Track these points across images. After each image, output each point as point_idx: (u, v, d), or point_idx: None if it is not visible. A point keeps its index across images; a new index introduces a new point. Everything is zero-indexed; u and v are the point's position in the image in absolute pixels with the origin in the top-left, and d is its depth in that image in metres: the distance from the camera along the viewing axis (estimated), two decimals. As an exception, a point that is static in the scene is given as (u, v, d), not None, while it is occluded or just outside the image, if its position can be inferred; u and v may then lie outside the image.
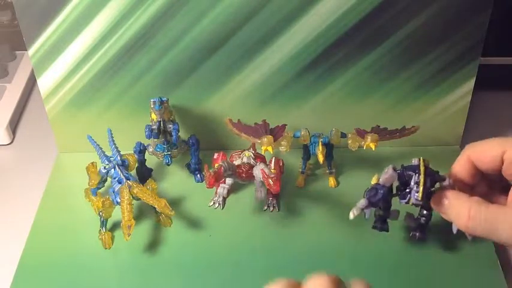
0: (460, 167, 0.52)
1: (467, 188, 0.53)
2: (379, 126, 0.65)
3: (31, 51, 0.65)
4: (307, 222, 0.64)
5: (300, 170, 0.68)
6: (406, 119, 0.68)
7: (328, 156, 0.65)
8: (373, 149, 0.61)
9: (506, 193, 0.48)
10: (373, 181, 0.54)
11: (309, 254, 0.60)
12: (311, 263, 0.59)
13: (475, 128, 0.75)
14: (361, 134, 0.63)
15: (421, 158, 0.53)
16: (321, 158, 0.62)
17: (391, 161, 0.58)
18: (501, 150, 0.48)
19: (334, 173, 0.68)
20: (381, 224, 0.58)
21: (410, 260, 0.59)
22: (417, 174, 0.52)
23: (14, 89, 0.83)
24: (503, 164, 0.49)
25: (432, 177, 0.52)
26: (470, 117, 0.71)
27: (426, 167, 0.52)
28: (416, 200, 0.51)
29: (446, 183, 0.52)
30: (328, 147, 0.64)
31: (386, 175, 0.53)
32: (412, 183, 0.52)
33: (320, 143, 0.62)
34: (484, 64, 0.69)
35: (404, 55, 0.65)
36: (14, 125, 0.79)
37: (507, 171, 0.49)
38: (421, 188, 0.51)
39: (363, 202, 0.53)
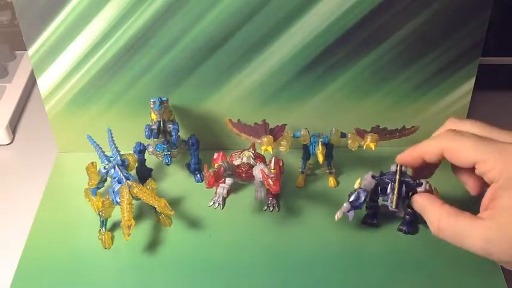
0: (431, 154, 0.48)
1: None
2: (379, 126, 0.65)
3: (31, 51, 0.65)
4: (307, 222, 0.64)
5: (300, 170, 0.68)
6: (406, 119, 0.68)
7: (328, 156, 0.66)
8: (373, 149, 0.61)
9: None
10: (356, 185, 0.58)
11: (309, 253, 0.60)
12: (311, 262, 0.59)
13: (475, 128, 0.75)
14: (361, 134, 0.63)
15: (398, 164, 0.56)
16: (320, 158, 0.62)
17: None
18: (474, 158, 0.45)
19: (334, 173, 0.68)
20: (371, 219, 0.62)
21: (410, 261, 0.59)
22: (393, 182, 0.56)
23: (14, 89, 0.83)
24: (475, 169, 0.46)
25: (408, 184, 0.55)
26: (470, 117, 0.71)
27: (402, 174, 0.55)
28: (391, 208, 0.55)
29: (421, 189, 0.55)
30: (328, 147, 0.64)
31: (365, 181, 0.57)
32: (388, 190, 0.56)
33: (320, 143, 0.62)
34: (484, 64, 0.69)
35: (404, 55, 0.66)
36: (14, 125, 0.79)
37: (482, 175, 0.46)
38: (394, 197, 0.55)
39: (346, 206, 0.57)
